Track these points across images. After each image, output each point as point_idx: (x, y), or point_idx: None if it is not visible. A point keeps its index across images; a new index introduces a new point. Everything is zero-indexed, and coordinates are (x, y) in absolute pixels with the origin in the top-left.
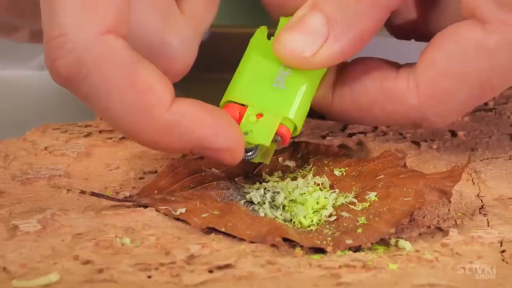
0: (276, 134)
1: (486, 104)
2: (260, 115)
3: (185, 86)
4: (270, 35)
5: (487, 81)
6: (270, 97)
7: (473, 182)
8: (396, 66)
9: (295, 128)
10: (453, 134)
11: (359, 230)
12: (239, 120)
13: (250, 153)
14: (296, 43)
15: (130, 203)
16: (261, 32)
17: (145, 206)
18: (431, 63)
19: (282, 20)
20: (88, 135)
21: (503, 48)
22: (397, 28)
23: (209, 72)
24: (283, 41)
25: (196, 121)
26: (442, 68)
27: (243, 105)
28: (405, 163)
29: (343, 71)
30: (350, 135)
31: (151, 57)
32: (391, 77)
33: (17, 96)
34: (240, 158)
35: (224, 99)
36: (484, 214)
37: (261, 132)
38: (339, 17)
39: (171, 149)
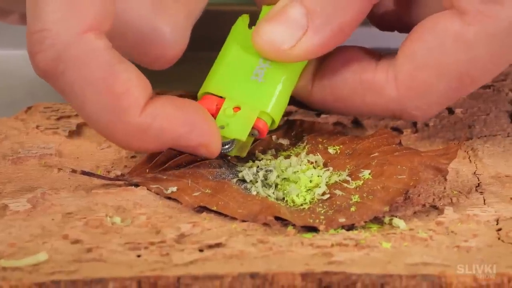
0: (253, 128)
1: None
2: (237, 108)
3: (176, 67)
4: (252, 24)
5: (466, 73)
6: (248, 90)
7: (470, 160)
8: (377, 56)
9: (273, 121)
10: (450, 111)
11: (353, 209)
12: (216, 112)
13: (227, 146)
14: (275, 35)
15: (121, 182)
16: (243, 20)
17: (136, 185)
18: (410, 54)
19: (264, 9)
20: None
21: (481, 39)
22: (380, 19)
23: (201, 51)
24: (262, 33)
25: (168, 121)
26: (420, 60)
27: (221, 97)
28: (400, 140)
29: (323, 61)
30: None
31: (142, 44)
32: (371, 68)
33: (8, 76)
34: (217, 152)
35: (201, 91)
36: (481, 192)
37: (238, 126)
38: (319, 8)
39: (145, 150)
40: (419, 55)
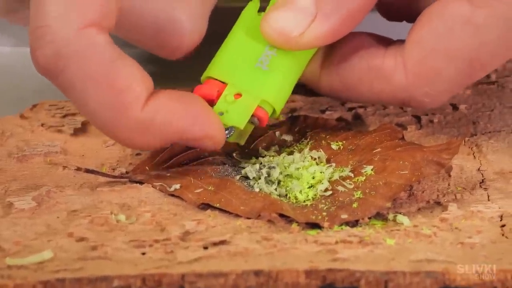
0: (254, 116)
1: (488, 76)
2: (238, 95)
3: (186, 62)
4: (262, 9)
5: (476, 58)
6: (251, 77)
7: (474, 156)
8: (386, 43)
9: (274, 111)
10: (455, 107)
11: (355, 205)
12: (217, 98)
13: (226, 132)
14: (284, 22)
15: (126, 179)
16: (253, 5)
17: (141, 183)
18: (419, 40)
19: None
20: None
21: (491, 23)
22: (388, 8)
23: (211, 46)
24: (270, 20)
25: (171, 115)
26: (429, 46)
27: (223, 82)
28: (403, 135)
29: (331, 48)
30: (350, 109)
31: (160, 34)
32: (379, 55)
33: (13, 73)
34: (222, 142)
35: (204, 75)
36: (485, 188)
37: (237, 113)
38: None
39: (149, 147)
40: (428, 41)
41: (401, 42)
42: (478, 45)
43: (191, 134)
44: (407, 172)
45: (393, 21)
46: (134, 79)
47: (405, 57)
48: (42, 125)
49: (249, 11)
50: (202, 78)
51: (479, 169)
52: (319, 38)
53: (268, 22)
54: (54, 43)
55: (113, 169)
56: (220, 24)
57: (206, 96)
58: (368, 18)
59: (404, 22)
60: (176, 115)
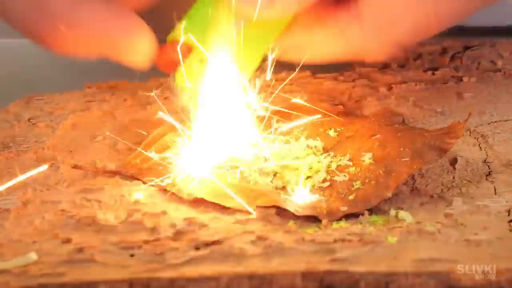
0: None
1: (494, 64)
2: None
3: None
4: None
5: (432, 10)
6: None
7: (480, 147)
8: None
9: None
10: (459, 96)
11: (354, 196)
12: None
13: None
14: None
15: (116, 177)
16: None
17: (132, 177)
18: None
19: None
20: (73, 105)
21: None
22: None
23: None
24: None
25: (94, 14)
26: None
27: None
28: (403, 119)
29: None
30: (349, 100)
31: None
32: (331, 9)
33: (0, 66)
34: (147, 57)
35: (170, 36)
36: (491, 181)
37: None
38: None
39: (75, 51)
40: None
41: None
42: None
43: (116, 41)
44: (408, 159)
45: None
46: None
47: (360, 7)
48: (29, 119)
49: None
50: (168, 39)
51: (485, 160)
52: (289, 5)
53: None
54: None
55: (102, 165)
56: None
57: (169, 58)
58: None
59: None
60: (100, 15)
